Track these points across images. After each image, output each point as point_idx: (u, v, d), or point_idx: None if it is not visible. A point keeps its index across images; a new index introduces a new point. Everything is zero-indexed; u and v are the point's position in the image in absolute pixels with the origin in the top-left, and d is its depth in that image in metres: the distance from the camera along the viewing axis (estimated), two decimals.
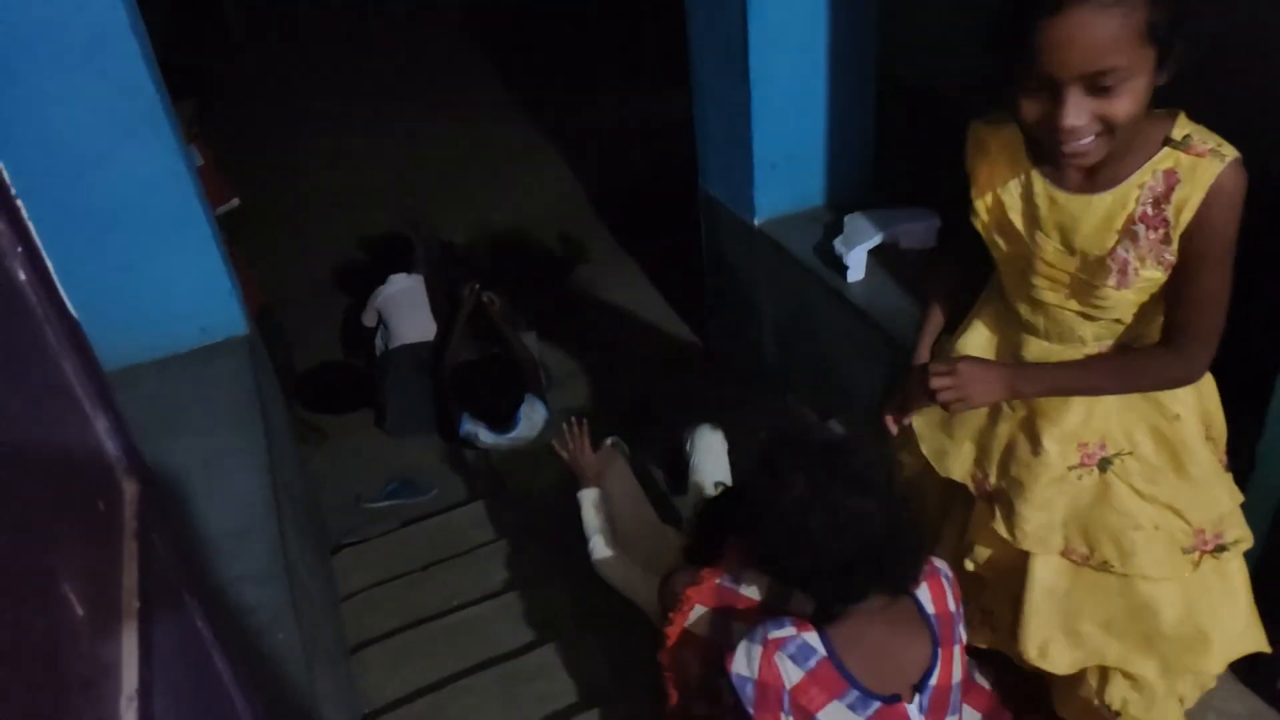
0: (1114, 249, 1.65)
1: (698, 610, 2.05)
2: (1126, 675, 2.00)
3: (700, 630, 2.04)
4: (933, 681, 1.73)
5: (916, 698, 1.72)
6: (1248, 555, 1.94)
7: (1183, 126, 1.59)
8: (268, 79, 7.31)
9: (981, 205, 1.81)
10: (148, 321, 2.93)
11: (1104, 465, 1.85)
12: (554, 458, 2.99)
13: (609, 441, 3.13)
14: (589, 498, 2.80)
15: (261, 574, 2.35)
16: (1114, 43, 1.41)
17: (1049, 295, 1.78)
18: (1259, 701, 2.39)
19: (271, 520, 2.48)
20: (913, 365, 2.06)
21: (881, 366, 3.09)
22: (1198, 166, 1.55)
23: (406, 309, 4.30)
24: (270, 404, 3.07)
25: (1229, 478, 1.94)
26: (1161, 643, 1.94)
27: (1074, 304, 1.76)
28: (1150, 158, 1.59)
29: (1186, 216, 1.57)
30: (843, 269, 3.20)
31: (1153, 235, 1.61)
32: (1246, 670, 2.37)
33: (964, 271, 2.06)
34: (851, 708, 1.68)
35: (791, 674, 1.67)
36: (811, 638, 1.69)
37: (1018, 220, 1.76)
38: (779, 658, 1.67)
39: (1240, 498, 1.95)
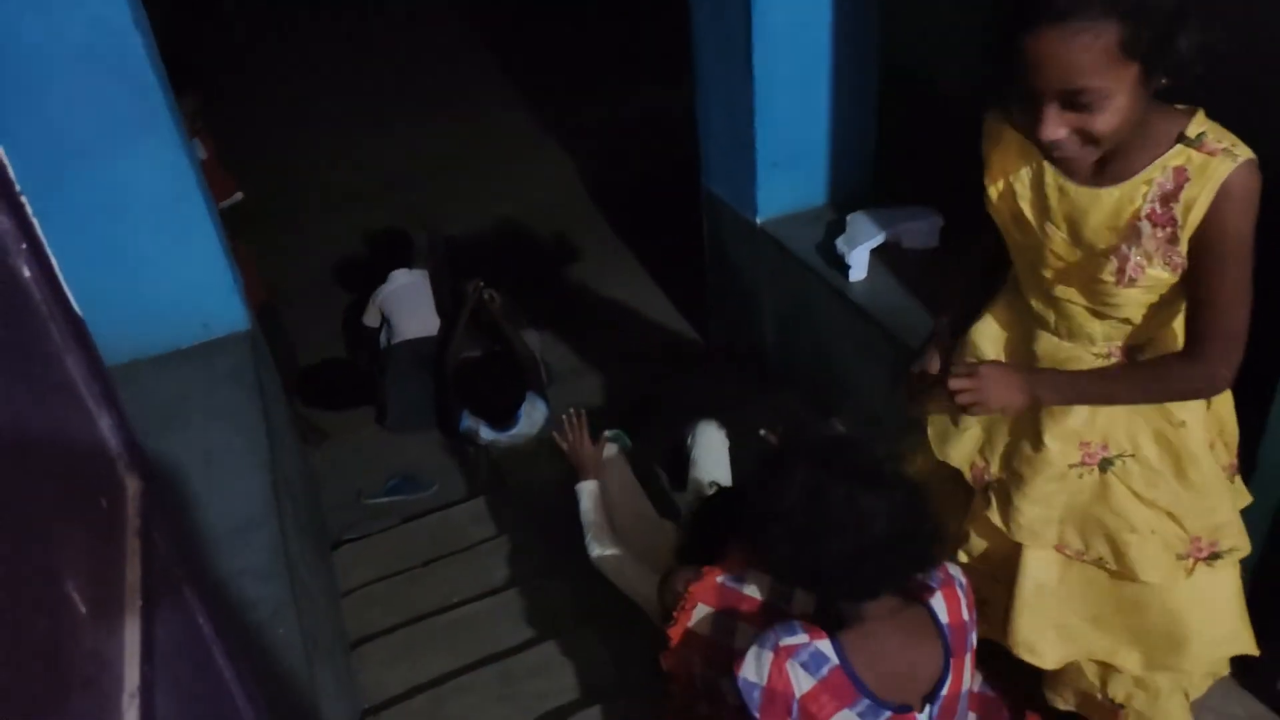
0: (1118, 244, 1.64)
1: (701, 610, 2.04)
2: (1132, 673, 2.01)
3: (704, 630, 2.04)
4: (944, 692, 1.71)
5: (927, 708, 1.71)
6: (1248, 557, 1.95)
7: (1198, 124, 1.57)
8: (269, 74, 7.31)
9: (994, 191, 1.81)
10: (150, 317, 2.93)
11: (1105, 465, 1.85)
12: (554, 454, 3.00)
13: (606, 435, 3.14)
14: (588, 490, 2.81)
15: (262, 569, 2.35)
16: (1085, 65, 1.43)
17: (1058, 289, 1.78)
18: (1258, 704, 2.39)
19: (272, 516, 2.48)
20: (929, 345, 2.11)
21: (883, 365, 3.09)
22: (1208, 165, 1.54)
23: (409, 305, 4.30)
24: (272, 400, 3.07)
25: (1237, 482, 1.94)
26: (1145, 637, 1.95)
27: (1083, 299, 1.75)
28: (1162, 154, 1.58)
29: (1195, 216, 1.56)
30: (845, 268, 3.20)
31: (1160, 233, 1.60)
32: (1245, 673, 2.37)
33: (986, 265, 2.06)
34: (862, 716, 1.67)
35: (803, 682, 1.65)
36: (824, 645, 1.67)
37: (1028, 210, 1.76)
38: (790, 665, 1.65)
39: (1249, 500, 1.96)
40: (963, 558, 2.10)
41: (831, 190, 3.61)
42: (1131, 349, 1.80)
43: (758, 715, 1.67)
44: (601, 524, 2.75)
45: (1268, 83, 2.19)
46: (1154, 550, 1.85)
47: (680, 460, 3.17)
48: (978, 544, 2.08)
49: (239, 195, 3.87)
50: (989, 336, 2.00)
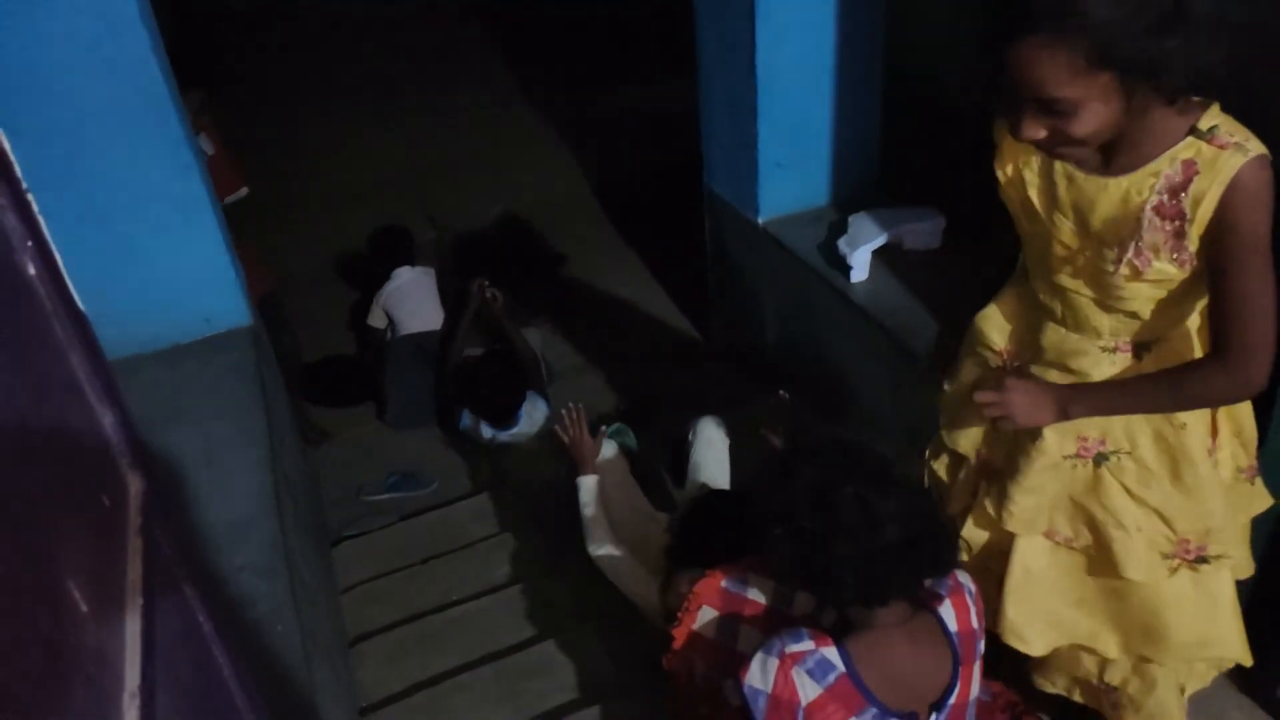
0: (1124, 236, 1.63)
1: (705, 612, 2.04)
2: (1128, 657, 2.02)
3: (707, 632, 2.03)
4: (951, 700, 1.71)
5: (934, 716, 1.71)
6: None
7: (1211, 117, 1.56)
8: (272, 70, 7.30)
9: (1002, 175, 1.81)
10: (152, 311, 2.93)
11: (1100, 460, 1.85)
12: (555, 453, 3.00)
13: (604, 430, 3.14)
14: (587, 486, 2.82)
15: (262, 566, 2.35)
16: (1052, 78, 1.45)
17: (1065, 280, 1.77)
18: (1258, 710, 2.39)
19: (272, 512, 2.48)
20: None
21: (885, 366, 3.09)
22: (1218, 159, 1.53)
23: (411, 301, 4.30)
24: (273, 395, 3.07)
25: (1258, 484, 1.93)
26: (1124, 624, 1.97)
27: (1090, 291, 1.74)
28: (1172, 146, 1.57)
29: (1205, 211, 1.55)
30: (846, 269, 3.20)
31: (1167, 226, 1.59)
32: (1246, 679, 2.38)
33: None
34: None
35: (809, 690, 1.64)
36: (830, 652, 1.66)
37: (1036, 199, 1.76)
38: (796, 673, 1.64)
39: (1268, 503, 1.95)
40: (963, 553, 2.10)
41: (834, 190, 3.60)
42: (1139, 345, 1.79)
43: None
44: (600, 520, 2.77)
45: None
46: (1138, 548, 1.86)
47: (682, 456, 3.18)
48: (977, 535, 2.08)
49: (244, 190, 3.87)
50: (996, 325, 2.00)
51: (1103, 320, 1.77)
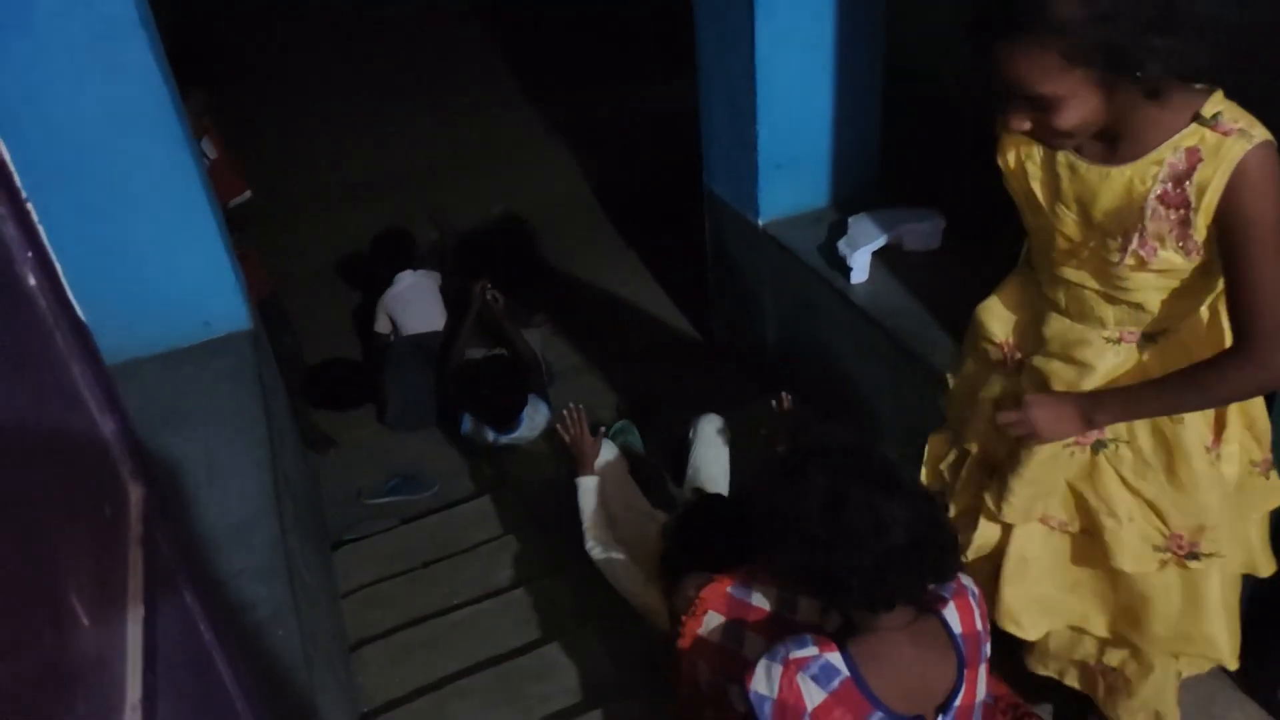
0: (1129, 226, 1.62)
1: (712, 617, 2.04)
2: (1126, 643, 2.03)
3: (713, 637, 2.03)
4: (957, 703, 1.70)
5: (940, 719, 1.71)
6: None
7: (1215, 104, 1.55)
8: (272, 71, 7.29)
9: (1003, 164, 1.81)
10: (151, 314, 2.93)
11: (1098, 447, 1.85)
12: (556, 456, 3.00)
13: (602, 430, 3.15)
14: (588, 486, 2.84)
15: (262, 570, 2.35)
16: (1033, 75, 1.48)
17: (1069, 272, 1.76)
18: (1258, 709, 2.39)
19: (273, 516, 2.47)
20: None
21: (885, 367, 3.09)
22: (1221, 145, 1.52)
23: (414, 303, 4.31)
24: (273, 399, 3.07)
25: (1272, 478, 1.92)
26: (1112, 605, 1.98)
27: (1094, 282, 1.74)
28: (1175, 133, 1.56)
29: (1211, 199, 1.54)
30: (846, 270, 3.20)
31: (1172, 215, 1.58)
32: (1247, 680, 2.38)
33: None
34: None
35: (814, 695, 1.63)
36: (834, 657, 1.65)
37: (1039, 190, 1.75)
38: (801, 678, 1.64)
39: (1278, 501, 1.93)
40: (968, 553, 2.10)
41: (834, 192, 3.60)
42: (1144, 336, 1.77)
43: None
44: (599, 521, 2.80)
45: None
46: (1129, 538, 1.86)
47: (681, 455, 3.18)
48: (989, 535, 2.07)
49: (248, 193, 3.86)
50: (997, 316, 1.99)
51: (1107, 311, 1.76)
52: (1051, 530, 1.98)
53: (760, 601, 2.02)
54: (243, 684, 1.39)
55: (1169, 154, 1.56)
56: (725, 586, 2.05)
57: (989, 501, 1.99)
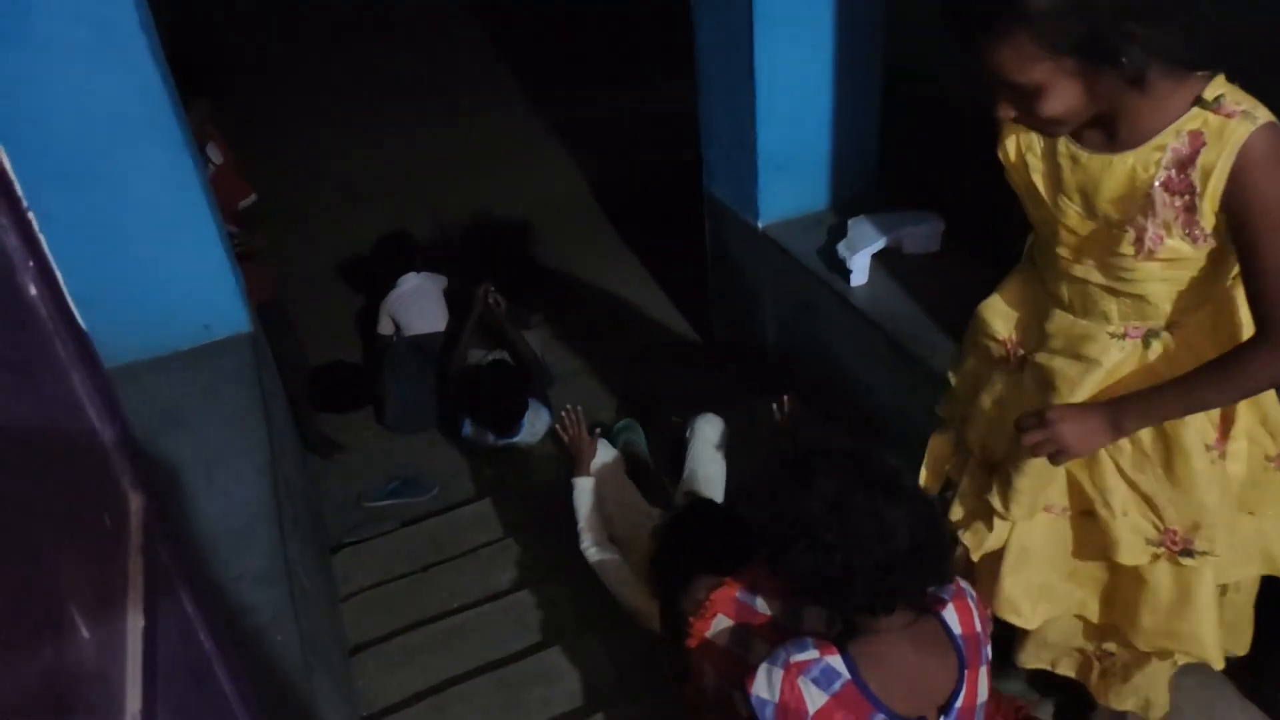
0: (1133, 214, 1.60)
1: (720, 620, 2.04)
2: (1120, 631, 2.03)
3: (721, 641, 2.04)
4: (958, 704, 1.70)
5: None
6: None
7: (1216, 87, 1.53)
8: (271, 73, 7.29)
9: (1002, 156, 1.80)
10: (151, 318, 2.92)
11: None
12: (557, 457, 3.00)
13: (597, 431, 3.15)
14: (582, 487, 2.85)
15: (261, 574, 2.34)
16: (1012, 64, 1.48)
17: (1073, 266, 1.74)
18: (1258, 712, 2.39)
19: (272, 520, 2.47)
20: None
21: (885, 369, 3.08)
22: (1225, 128, 1.50)
23: (416, 305, 4.31)
24: (273, 402, 3.06)
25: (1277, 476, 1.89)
26: (1108, 591, 1.99)
27: (1098, 276, 1.72)
28: (1177, 118, 1.54)
29: (1216, 183, 1.51)
30: (846, 272, 3.20)
31: (1177, 202, 1.56)
32: (1249, 683, 2.37)
33: None
34: None
35: (815, 698, 1.63)
36: (835, 660, 1.66)
37: (1040, 183, 1.74)
38: (802, 682, 1.64)
39: None
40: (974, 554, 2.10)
41: (833, 194, 3.60)
42: (1150, 333, 1.75)
43: None
44: (593, 522, 2.83)
45: None
46: (1121, 531, 1.86)
47: (679, 454, 3.19)
48: (998, 537, 2.06)
49: (254, 197, 3.86)
50: (999, 314, 1.98)
51: (1111, 306, 1.74)
52: (1054, 518, 1.97)
53: (765, 609, 2.02)
54: (242, 692, 1.39)
55: (1171, 139, 1.54)
56: (734, 591, 2.05)
57: (995, 504, 1.98)
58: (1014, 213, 1.89)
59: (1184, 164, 1.54)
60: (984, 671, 1.78)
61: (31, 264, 0.94)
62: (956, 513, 2.13)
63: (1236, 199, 1.51)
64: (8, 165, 0.92)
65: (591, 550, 2.80)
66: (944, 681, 1.71)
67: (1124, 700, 2.14)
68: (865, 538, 1.61)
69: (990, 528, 2.03)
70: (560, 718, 2.64)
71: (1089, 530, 1.94)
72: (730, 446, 3.11)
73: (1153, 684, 2.10)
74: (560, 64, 7.12)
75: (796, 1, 3.14)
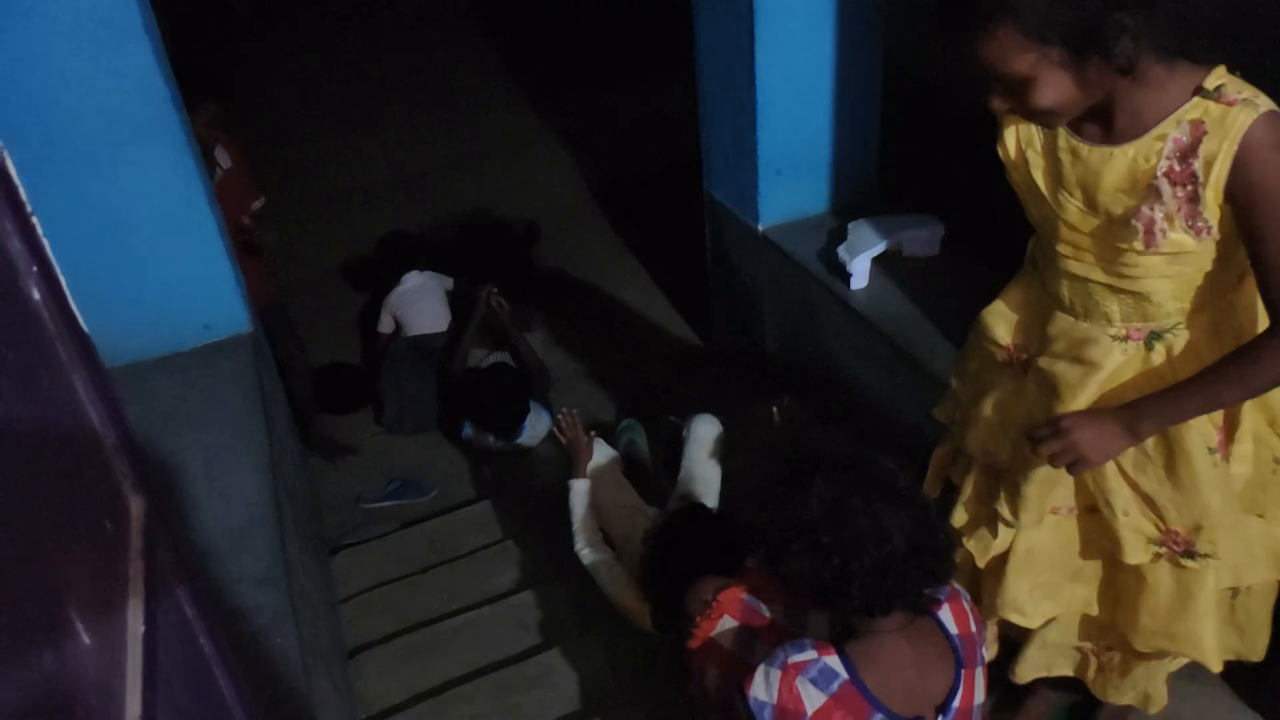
0: (1138, 206, 1.59)
1: (726, 621, 2.05)
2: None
3: (725, 642, 2.04)
4: (956, 704, 1.71)
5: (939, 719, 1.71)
6: None
7: (1217, 77, 1.52)
8: (271, 74, 7.29)
9: (1001, 152, 1.79)
10: (152, 318, 2.92)
11: None
12: (556, 459, 3.01)
13: (593, 433, 3.15)
14: (578, 488, 2.88)
15: (261, 576, 2.34)
16: (1000, 55, 1.49)
17: (1074, 265, 1.74)
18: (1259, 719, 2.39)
19: (272, 521, 2.47)
20: None
21: (885, 373, 3.08)
22: (1226, 116, 1.49)
23: (418, 304, 4.30)
24: (273, 403, 3.06)
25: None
26: (1109, 588, 1.99)
27: (1099, 274, 1.71)
28: (1177, 108, 1.54)
29: (1219, 173, 1.50)
30: (846, 276, 3.20)
31: (1180, 192, 1.55)
32: (1251, 690, 2.37)
33: None
34: None
35: (813, 699, 1.64)
36: (833, 661, 1.67)
37: (1041, 180, 1.73)
38: (800, 683, 1.65)
39: None
40: (967, 544, 2.10)
41: (833, 197, 3.60)
42: (1153, 334, 1.74)
43: None
44: (589, 524, 2.85)
45: None
46: (1123, 530, 1.85)
47: (676, 454, 3.19)
48: (1003, 540, 2.06)
49: (262, 199, 3.85)
50: (1001, 319, 1.97)
51: (1113, 305, 1.73)
52: (1060, 519, 1.97)
53: (768, 612, 2.03)
54: (242, 696, 1.39)
55: (1172, 129, 1.54)
56: (741, 593, 2.06)
57: (1004, 511, 1.98)
58: (1014, 219, 1.89)
59: (1186, 154, 1.53)
60: (981, 672, 1.79)
61: (35, 269, 0.94)
62: (959, 518, 2.12)
63: (1240, 187, 1.50)
64: (11, 168, 0.91)
65: (585, 551, 2.82)
66: (942, 681, 1.72)
67: (1123, 695, 2.14)
68: (863, 540, 1.61)
69: (995, 534, 2.02)
70: None
71: (1095, 528, 1.94)
72: (728, 448, 3.11)
73: (1151, 678, 2.10)
74: (562, 66, 7.12)
75: (797, 4, 3.15)
